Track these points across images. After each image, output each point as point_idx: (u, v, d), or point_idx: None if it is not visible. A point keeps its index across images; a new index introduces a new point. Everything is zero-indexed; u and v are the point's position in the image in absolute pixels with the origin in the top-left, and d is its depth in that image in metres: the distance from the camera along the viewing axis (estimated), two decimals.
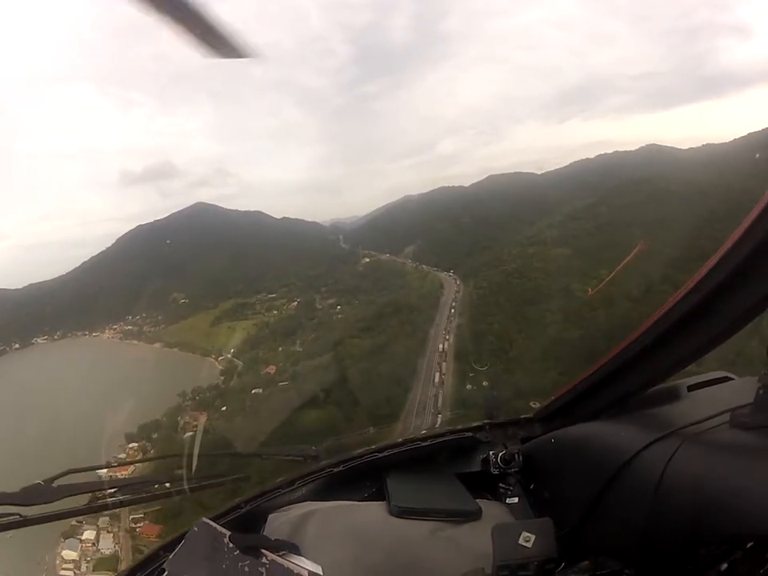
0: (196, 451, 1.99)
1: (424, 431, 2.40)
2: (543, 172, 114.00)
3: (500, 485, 1.98)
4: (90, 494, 1.72)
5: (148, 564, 1.67)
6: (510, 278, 56.99)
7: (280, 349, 59.73)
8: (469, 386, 36.89)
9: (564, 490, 1.65)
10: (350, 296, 74.57)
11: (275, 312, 75.42)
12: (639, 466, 1.26)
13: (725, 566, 1.04)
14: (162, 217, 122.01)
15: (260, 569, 1.41)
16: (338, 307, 72.46)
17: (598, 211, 65.70)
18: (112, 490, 1.77)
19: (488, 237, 79.22)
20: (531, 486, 1.92)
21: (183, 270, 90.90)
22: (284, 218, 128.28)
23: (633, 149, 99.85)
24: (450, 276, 72.25)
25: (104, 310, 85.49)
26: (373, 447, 2.17)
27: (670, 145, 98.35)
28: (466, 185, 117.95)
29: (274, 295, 78.76)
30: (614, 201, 64.95)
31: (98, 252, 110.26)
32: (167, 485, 1.96)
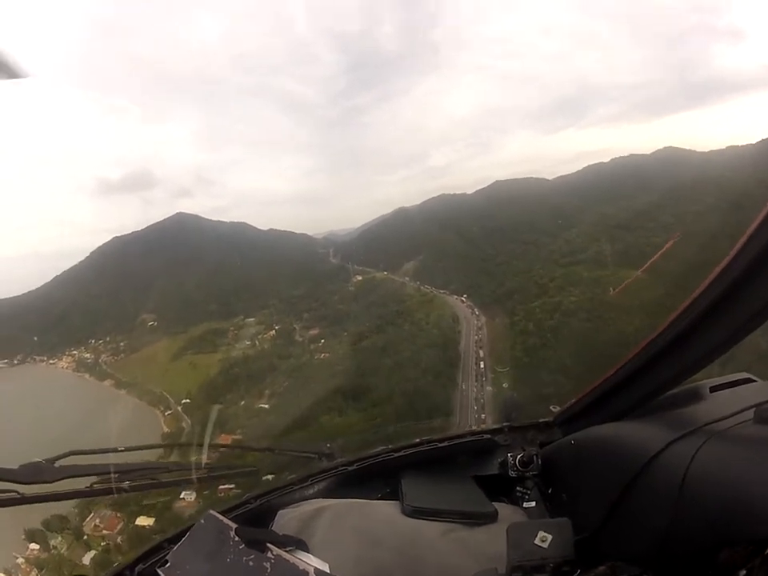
0: (207, 441, 2.00)
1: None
2: (554, 177, 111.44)
3: (517, 488, 1.91)
4: (92, 478, 1.68)
5: (150, 555, 1.64)
6: (546, 305, 45.70)
7: (242, 402, 48.34)
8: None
9: (583, 492, 1.61)
10: (336, 326, 61.58)
11: (247, 343, 64.63)
12: (662, 464, 1.24)
13: (743, 572, 1.02)
14: (140, 228, 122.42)
15: (265, 563, 1.37)
16: (321, 341, 59.35)
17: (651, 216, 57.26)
18: (115, 475, 1.72)
19: (504, 251, 67.54)
20: (549, 491, 1.85)
21: (157, 286, 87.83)
22: (271, 229, 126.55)
23: (647, 153, 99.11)
24: (462, 302, 59.07)
25: (69, 331, 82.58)
26: (389, 447, 2.09)
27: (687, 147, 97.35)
28: (468, 192, 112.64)
29: (251, 319, 72.22)
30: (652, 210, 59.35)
31: (71, 266, 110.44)
32: (174, 473, 1.94)
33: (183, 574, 1.44)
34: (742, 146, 78.75)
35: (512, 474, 1.92)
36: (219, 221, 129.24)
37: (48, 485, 1.50)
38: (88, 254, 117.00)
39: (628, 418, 1.56)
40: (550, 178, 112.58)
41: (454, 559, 1.52)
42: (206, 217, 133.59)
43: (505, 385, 34.32)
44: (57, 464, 1.59)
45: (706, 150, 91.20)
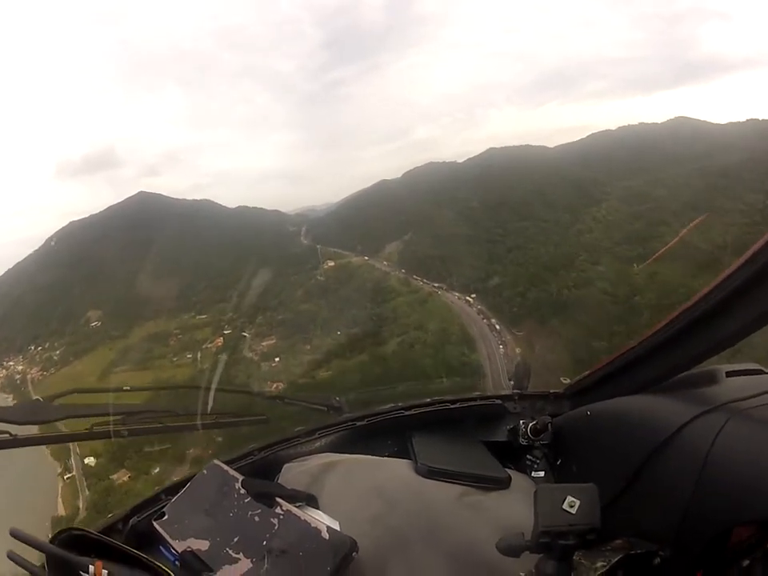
0: (214, 386, 1.94)
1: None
2: (556, 146, 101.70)
3: (528, 456, 1.89)
4: (93, 419, 1.62)
5: (146, 507, 1.55)
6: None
7: (156, 471, 31.16)
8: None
9: (597, 465, 1.59)
10: (298, 335, 46.78)
11: (188, 356, 52.59)
12: (685, 439, 1.23)
13: (747, 562, 1.04)
14: (99, 210, 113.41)
15: (272, 519, 1.34)
16: (276, 360, 44.68)
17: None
18: (118, 417, 1.66)
19: (514, 231, 54.01)
20: (558, 462, 1.85)
21: (110, 276, 79.51)
22: (240, 206, 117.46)
23: (659, 121, 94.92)
24: (469, 304, 43.41)
25: (10, 334, 72.62)
26: (399, 404, 2.06)
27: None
28: (459, 161, 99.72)
29: (204, 317, 63.43)
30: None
31: (25, 255, 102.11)
32: (181, 418, 1.86)
33: (181, 528, 1.38)
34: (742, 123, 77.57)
35: (522, 441, 1.89)
36: (183, 199, 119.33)
37: (44, 425, 1.48)
38: (43, 241, 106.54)
39: (644, 394, 1.54)
40: (550, 146, 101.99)
41: (470, 524, 1.49)
42: (177, 197, 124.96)
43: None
44: (56, 402, 1.56)
45: (723, 122, 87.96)
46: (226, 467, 1.53)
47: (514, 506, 1.53)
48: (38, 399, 1.53)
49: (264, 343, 47.64)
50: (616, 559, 1.15)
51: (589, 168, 70.28)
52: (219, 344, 53.29)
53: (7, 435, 1.35)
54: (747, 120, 77.96)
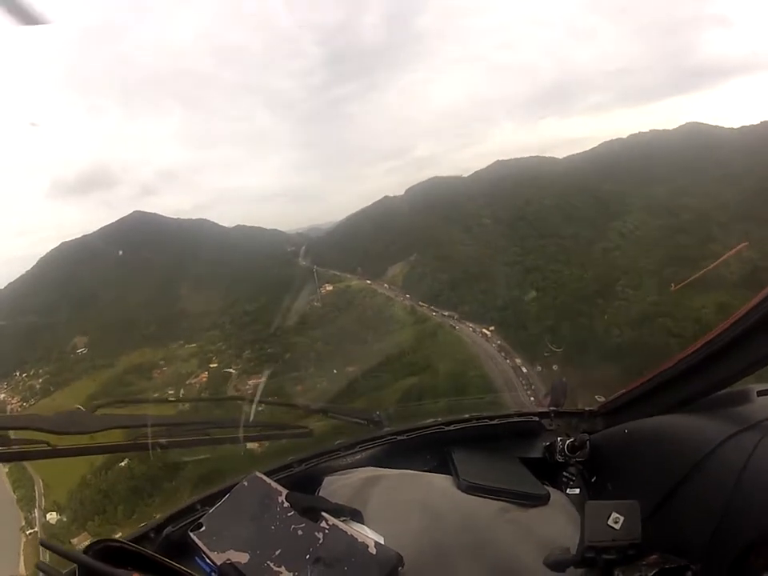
0: (257, 398, 1.97)
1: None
2: (565, 156, 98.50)
3: (563, 473, 1.91)
4: (132, 430, 1.63)
5: (180, 517, 1.53)
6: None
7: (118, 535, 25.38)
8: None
9: (633, 482, 1.62)
10: (289, 372, 40.53)
11: (170, 392, 47.15)
12: (719, 458, 1.28)
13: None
14: (93, 231, 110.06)
15: (317, 533, 1.33)
16: (261, 407, 37.88)
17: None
18: (162, 428, 1.69)
19: (533, 249, 48.19)
20: (593, 479, 1.87)
21: (98, 300, 77.97)
22: (237, 226, 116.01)
23: (670, 128, 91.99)
24: (486, 338, 37.12)
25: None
26: (439, 419, 2.07)
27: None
28: (465, 175, 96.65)
29: (192, 345, 60.46)
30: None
31: (16, 277, 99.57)
32: (224, 429, 1.88)
33: (220, 540, 1.35)
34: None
35: (559, 458, 1.90)
36: (178, 218, 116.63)
37: (82, 435, 1.46)
38: (36, 261, 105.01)
39: (679, 413, 1.57)
40: (559, 157, 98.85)
41: (511, 540, 1.51)
42: (178, 216, 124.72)
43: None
44: (98, 412, 1.57)
45: (736, 126, 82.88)
46: (268, 480, 1.51)
47: (553, 522, 1.55)
48: (78, 408, 1.51)
49: (250, 382, 42.19)
50: (651, 574, 1.17)
51: (605, 178, 67.37)
52: (204, 379, 50.23)
53: (45, 445, 1.36)
54: (761, 122, 75.22)
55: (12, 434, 1.37)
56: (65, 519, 35.88)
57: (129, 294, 79.31)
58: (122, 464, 38.38)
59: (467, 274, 49.19)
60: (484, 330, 38.58)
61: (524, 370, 33.12)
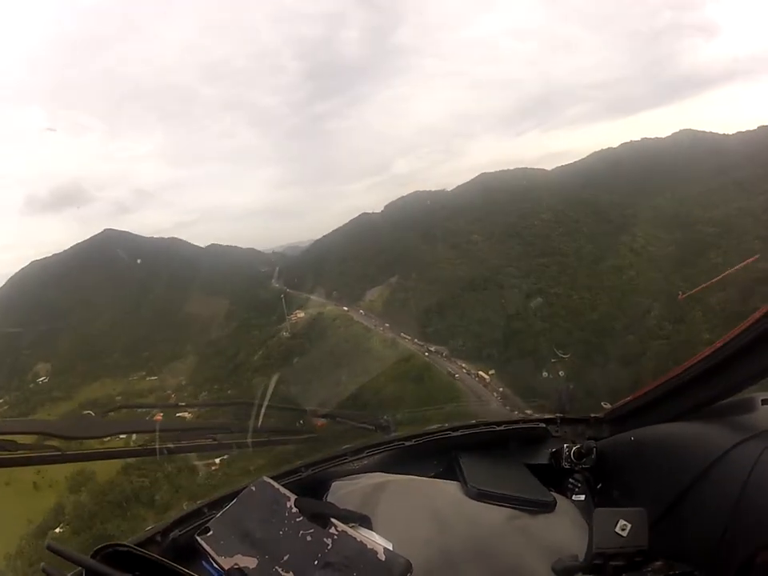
0: (265, 402, 1.97)
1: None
2: (554, 167, 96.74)
3: (570, 480, 1.90)
4: (142, 436, 1.69)
5: (186, 521, 1.52)
6: None
7: None
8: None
9: (639, 489, 1.62)
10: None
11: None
12: (726, 466, 1.29)
13: None
14: (64, 249, 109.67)
15: (326, 539, 1.32)
16: (217, 462, 31.48)
17: None
18: (172, 433, 1.73)
19: (531, 269, 41.90)
20: (599, 485, 1.87)
21: (63, 324, 74.54)
22: (212, 245, 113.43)
23: (662, 136, 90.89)
24: (483, 383, 30.01)
25: None
26: (446, 425, 2.08)
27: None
28: (448, 189, 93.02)
29: (154, 378, 60.29)
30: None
31: None
32: (233, 434, 1.91)
33: (227, 544, 1.35)
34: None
35: (565, 465, 1.91)
36: (151, 237, 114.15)
37: (93, 440, 1.51)
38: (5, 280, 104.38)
39: (685, 421, 1.59)
40: (548, 168, 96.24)
41: (519, 548, 1.52)
42: (156, 235, 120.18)
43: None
44: (109, 417, 1.62)
45: (731, 132, 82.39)
46: (276, 485, 1.49)
47: (560, 529, 1.56)
48: (88, 413, 1.56)
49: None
50: None
51: (601, 189, 64.52)
52: (159, 419, 42.91)
53: (55, 450, 1.38)
54: (759, 127, 74.24)
55: (20, 439, 1.39)
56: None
57: (95, 317, 77.26)
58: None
59: (457, 300, 43.45)
60: (481, 374, 31.63)
61: None
